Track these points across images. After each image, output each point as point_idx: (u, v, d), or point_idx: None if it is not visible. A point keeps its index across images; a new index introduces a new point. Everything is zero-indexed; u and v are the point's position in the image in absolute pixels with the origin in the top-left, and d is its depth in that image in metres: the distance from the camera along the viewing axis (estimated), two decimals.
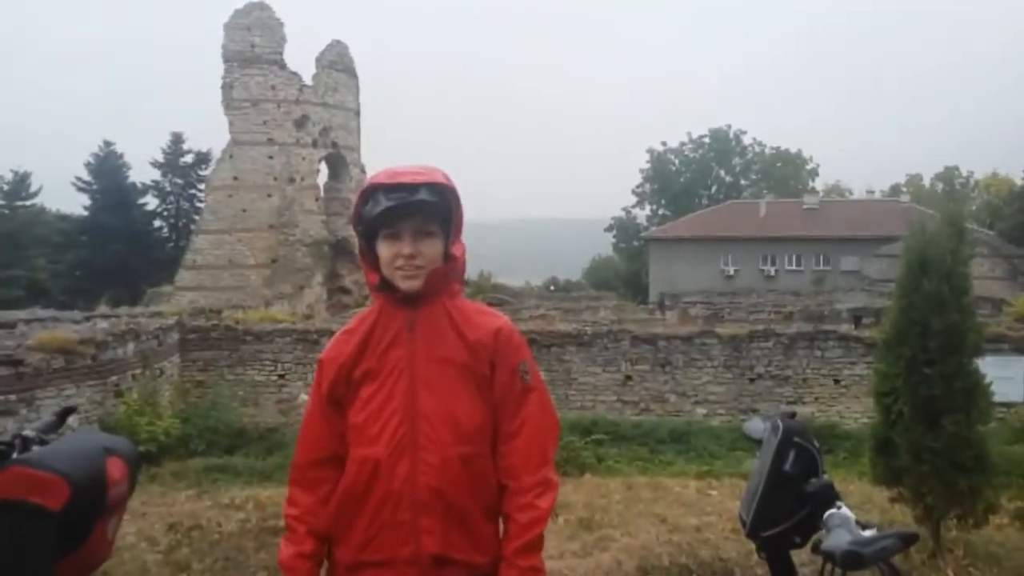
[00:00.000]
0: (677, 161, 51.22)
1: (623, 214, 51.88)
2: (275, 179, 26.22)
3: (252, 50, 25.82)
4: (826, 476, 1.35)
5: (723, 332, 12.97)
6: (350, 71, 28.89)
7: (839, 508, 1.34)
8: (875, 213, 38.46)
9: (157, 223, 41.69)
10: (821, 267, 36.08)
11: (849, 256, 34.61)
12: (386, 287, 1.94)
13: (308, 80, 26.99)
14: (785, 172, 51.56)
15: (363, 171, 29.69)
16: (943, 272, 4.25)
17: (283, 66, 26.33)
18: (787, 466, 1.33)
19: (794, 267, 36.80)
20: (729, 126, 51.34)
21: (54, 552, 1.39)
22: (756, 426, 1.68)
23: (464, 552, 1.85)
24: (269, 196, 26.18)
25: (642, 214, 51.72)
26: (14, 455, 1.51)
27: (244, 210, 25.96)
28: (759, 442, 1.64)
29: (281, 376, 12.22)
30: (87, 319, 12.83)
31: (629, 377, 12.45)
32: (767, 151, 51.99)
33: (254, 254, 26.09)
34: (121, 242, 36.52)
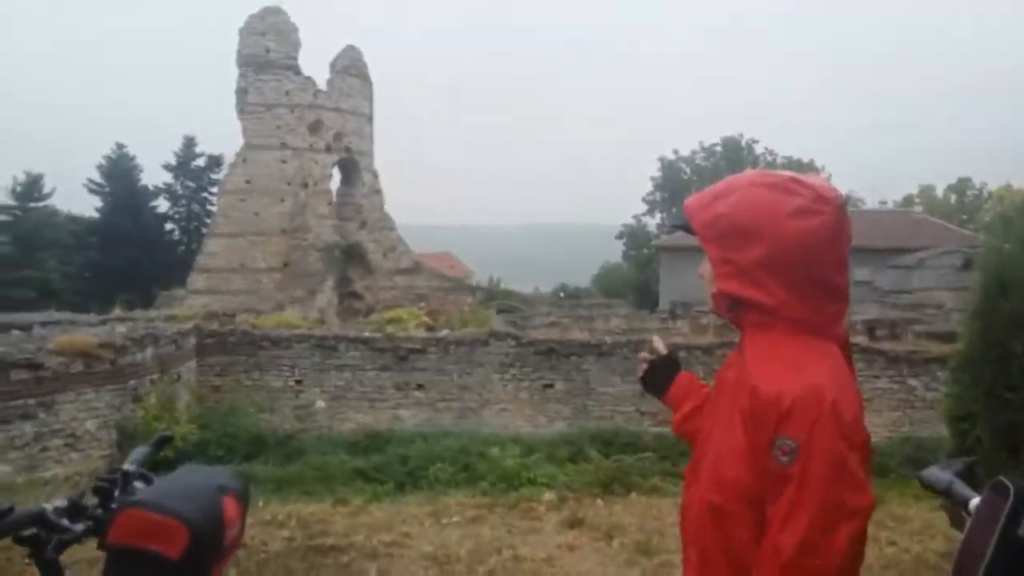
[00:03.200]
0: (688, 169, 51.04)
1: (634, 222, 51.70)
2: (288, 183, 26.19)
3: (267, 55, 25.83)
4: None
5: None
6: (364, 76, 28.87)
7: None
8: (887, 224, 38.14)
9: (168, 226, 41.70)
10: None
11: (861, 267, 34.33)
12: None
13: (322, 85, 26.99)
14: None
15: (375, 176, 29.66)
16: None
17: (297, 71, 26.33)
18: (1021, 531, 1.23)
19: None
20: (741, 135, 51.26)
21: None
22: (937, 475, 1.59)
23: None
24: (282, 200, 26.15)
25: (652, 222, 51.55)
26: (116, 493, 1.43)
27: (256, 214, 25.92)
28: (944, 493, 1.55)
29: (298, 382, 12.15)
30: (103, 322, 12.80)
31: None
32: (779, 160, 51.79)
33: (266, 258, 26.04)
34: (132, 245, 36.53)
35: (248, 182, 25.94)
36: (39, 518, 1.35)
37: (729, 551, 1.58)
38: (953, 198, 56.34)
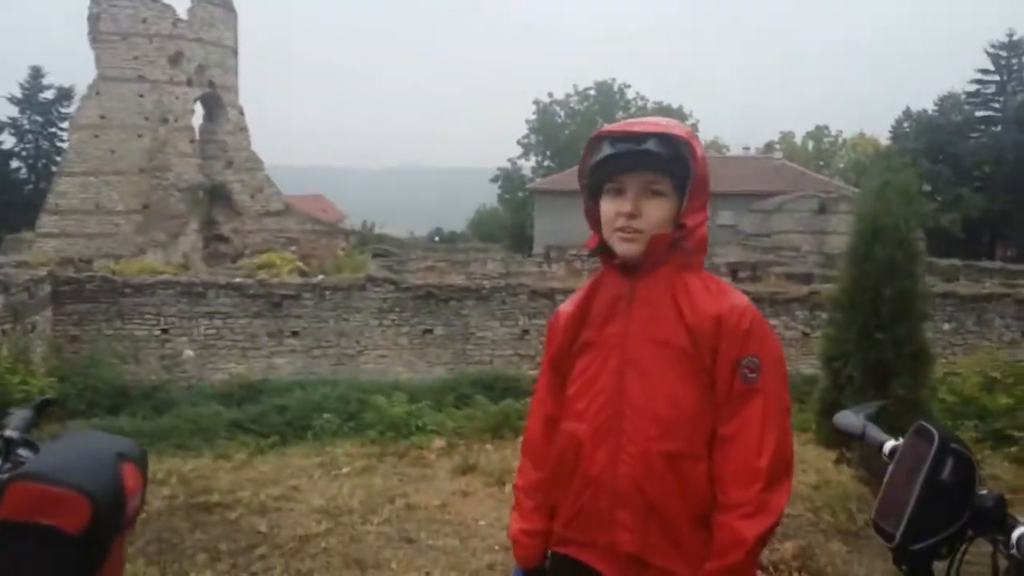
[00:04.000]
0: (563, 113, 51.43)
1: (508, 165, 51.86)
2: (146, 119, 24.67)
3: None
4: (993, 490, 1.29)
5: None
6: (227, 5, 27.36)
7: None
8: (750, 169, 39.78)
9: (14, 164, 38.61)
10: None
11: (725, 211, 35.72)
12: (604, 251, 1.74)
13: (183, 14, 25.40)
14: None
15: (241, 112, 28.36)
16: (897, 239, 4.33)
17: None
18: (945, 475, 1.26)
19: None
20: (614, 79, 52.00)
21: None
22: (849, 420, 1.61)
23: (665, 558, 1.62)
24: (140, 137, 24.64)
25: (527, 165, 51.87)
26: (7, 465, 1.27)
27: (112, 151, 24.35)
28: (858, 437, 1.58)
29: (164, 331, 11.59)
30: None
31: (527, 331, 12.50)
32: (649, 106, 52.92)
33: (123, 199, 24.59)
34: None
35: (102, 117, 24.27)
36: None
37: (688, 494, 1.61)
38: (811, 145, 59.22)
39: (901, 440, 1.44)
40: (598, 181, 1.72)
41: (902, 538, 1.26)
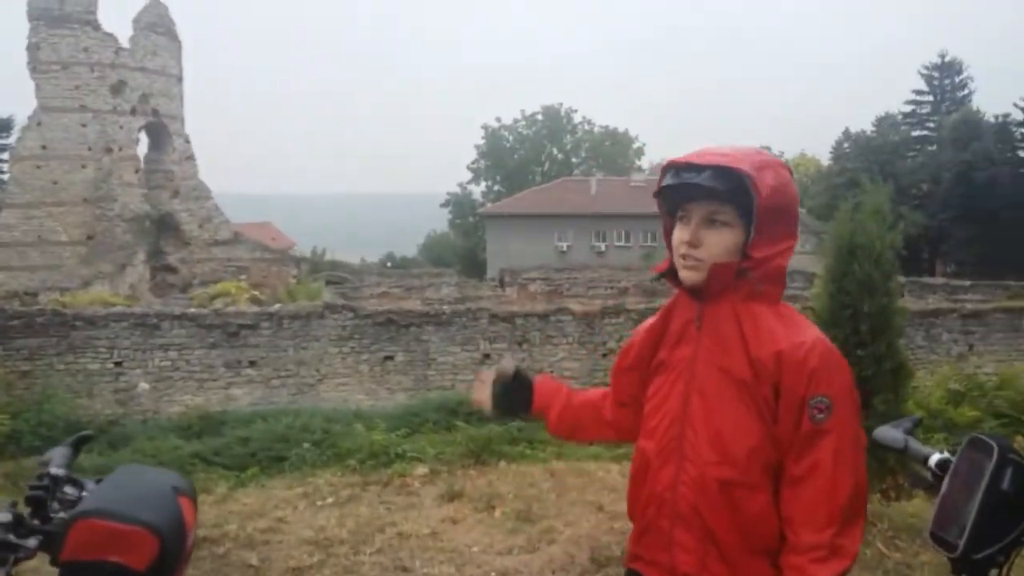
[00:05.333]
0: (511, 137, 51.77)
1: (459, 190, 51.94)
2: (89, 149, 24.20)
3: (61, 7, 23.56)
4: None
5: (577, 309, 13.28)
6: (171, 34, 27.04)
7: None
8: None
9: None
10: (648, 243, 37.52)
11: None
12: (673, 274, 1.75)
13: (125, 43, 25.02)
14: (613, 151, 53.34)
15: (187, 141, 27.98)
16: (872, 257, 4.45)
17: (97, 26, 24.27)
18: (1005, 485, 1.30)
19: (623, 243, 38.08)
20: (561, 104, 52.57)
21: None
22: (891, 434, 1.66)
23: None
24: (83, 167, 24.16)
25: (478, 190, 52.00)
26: (53, 504, 1.24)
27: (55, 182, 23.81)
28: (900, 451, 1.63)
29: (118, 364, 11.31)
30: None
31: (488, 356, 12.49)
32: (596, 130, 53.61)
33: (67, 230, 24.02)
34: None
35: (44, 147, 23.74)
36: None
37: (743, 524, 1.61)
38: None
39: (946, 453, 1.49)
40: (670, 206, 1.75)
41: (965, 547, 1.30)
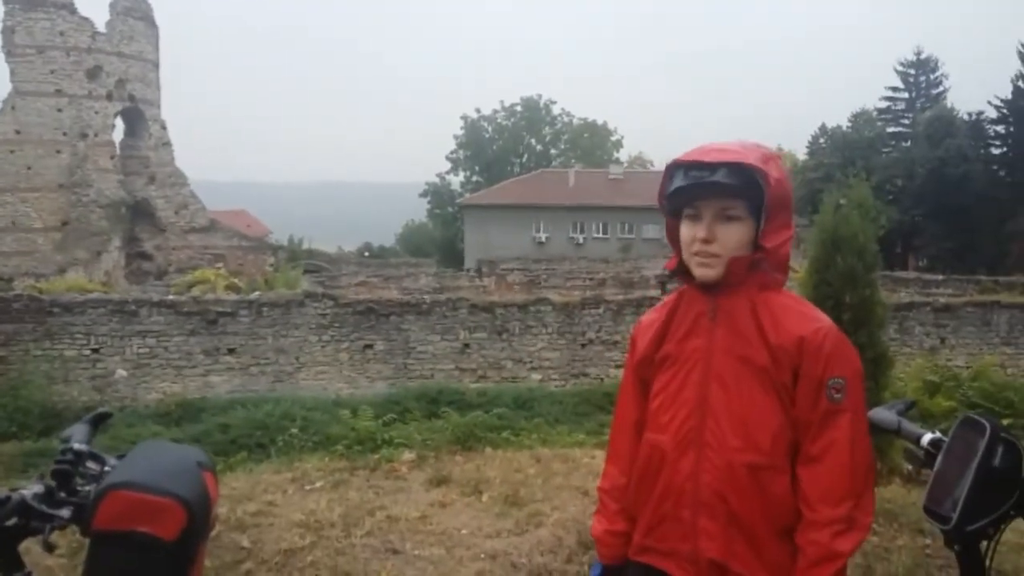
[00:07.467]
0: (490, 128, 51.69)
1: (437, 179, 51.82)
2: (65, 134, 23.98)
3: None
4: None
5: (556, 300, 13.34)
6: (148, 19, 26.80)
7: None
8: None
9: None
10: (626, 235, 37.69)
11: (650, 224, 36.44)
12: (684, 271, 1.77)
13: (101, 27, 24.74)
14: (592, 143, 53.43)
15: (163, 127, 27.74)
16: (856, 249, 4.54)
17: (73, 10, 24.04)
18: (997, 461, 1.39)
19: (601, 235, 38.20)
20: (540, 95, 52.51)
21: None
22: (884, 415, 1.75)
23: (748, 567, 1.66)
24: (58, 152, 23.94)
25: (456, 180, 51.90)
26: (77, 479, 1.27)
27: (29, 167, 23.57)
28: (894, 431, 1.71)
29: (95, 351, 11.24)
30: None
31: (467, 345, 12.54)
32: (575, 122, 53.66)
33: (41, 216, 23.80)
34: None
35: (18, 132, 23.48)
36: (21, 506, 1.21)
37: (769, 506, 1.67)
38: None
39: (937, 433, 1.57)
40: (676, 205, 1.76)
41: (959, 520, 1.38)
